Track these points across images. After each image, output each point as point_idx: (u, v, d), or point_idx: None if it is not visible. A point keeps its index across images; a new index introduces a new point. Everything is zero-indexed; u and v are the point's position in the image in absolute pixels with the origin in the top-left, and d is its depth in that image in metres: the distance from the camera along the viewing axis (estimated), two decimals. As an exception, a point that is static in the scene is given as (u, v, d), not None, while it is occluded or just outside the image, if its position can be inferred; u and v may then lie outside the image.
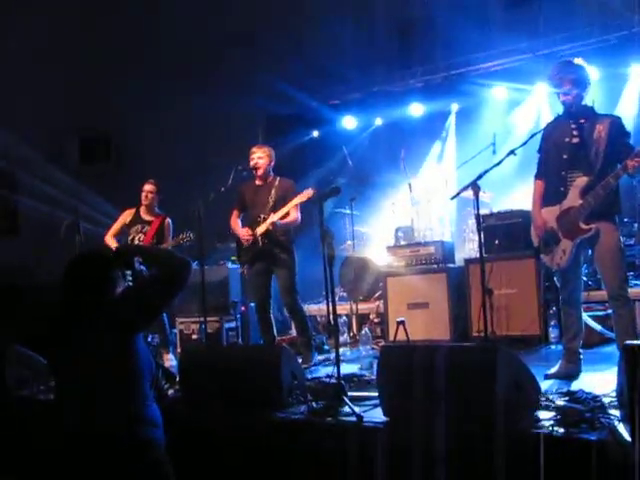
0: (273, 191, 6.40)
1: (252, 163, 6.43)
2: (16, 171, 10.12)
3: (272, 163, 6.53)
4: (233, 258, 8.52)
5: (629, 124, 7.57)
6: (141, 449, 3.03)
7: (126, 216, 7.38)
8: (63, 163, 10.34)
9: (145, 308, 3.19)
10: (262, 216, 6.33)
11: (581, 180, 4.72)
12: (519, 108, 9.40)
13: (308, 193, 6.16)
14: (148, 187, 7.32)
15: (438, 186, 8.87)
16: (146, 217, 7.32)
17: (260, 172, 6.43)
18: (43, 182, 9.69)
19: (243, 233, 6.42)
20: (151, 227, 7.23)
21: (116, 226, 7.37)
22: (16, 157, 9.70)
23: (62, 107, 10.19)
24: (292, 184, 6.53)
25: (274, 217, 6.25)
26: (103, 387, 3.03)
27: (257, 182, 6.51)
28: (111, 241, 7.27)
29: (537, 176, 5.13)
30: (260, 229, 6.30)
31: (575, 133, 4.85)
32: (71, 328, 3.12)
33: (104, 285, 3.18)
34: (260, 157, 6.44)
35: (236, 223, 6.58)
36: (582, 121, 4.85)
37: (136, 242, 7.14)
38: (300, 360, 6.30)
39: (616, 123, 4.82)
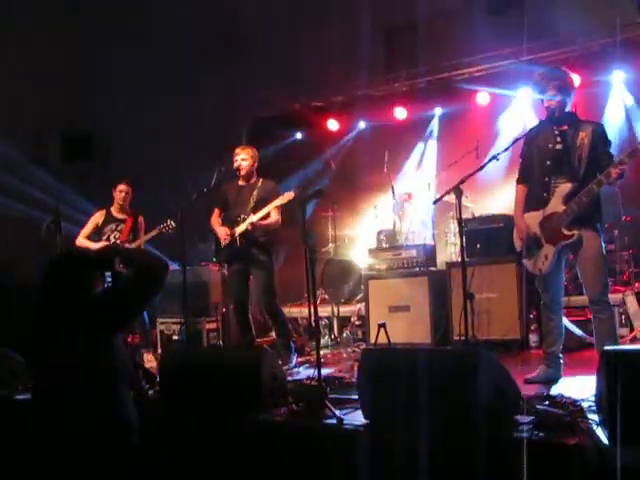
0: (255, 192, 6.39)
1: (235, 164, 6.42)
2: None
3: (255, 164, 6.53)
4: (215, 259, 8.50)
5: (615, 131, 7.68)
6: (114, 450, 3.00)
7: (98, 217, 7.42)
8: (45, 162, 10.27)
9: (123, 308, 3.19)
10: (242, 216, 6.31)
11: (565, 186, 4.75)
12: (503, 113, 9.43)
13: (289, 195, 6.15)
14: (124, 187, 7.38)
15: (421, 189, 8.89)
16: (119, 216, 7.38)
17: (243, 173, 6.42)
18: (24, 181, 9.61)
19: (221, 233, 6.40)
20: (126, 225, 7.31)
21: (88, 228, 7.40)
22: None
23: (44, 106, 10.11)
24: (274, 185, 6.52)
25: (254, 218, 6.24)
26: (78, 387, 3.01)
27: (240, 182, 6.49)
28: (85, 242, 7.26)
29: (519, 181, 5.15)
30: (239, 229, 6.28)
31: (559, 139, 4.87)
32: (50, 328, 3.09)
33: (84, 285, 3.16)
34: (244, 158, 6.44)
35: (216, 222, 6.56)
36: (565, 127, 4.87)
37: (112, 241, 7.21)
38: (279, 362, 6.31)
39: (599, 130, 4.85)
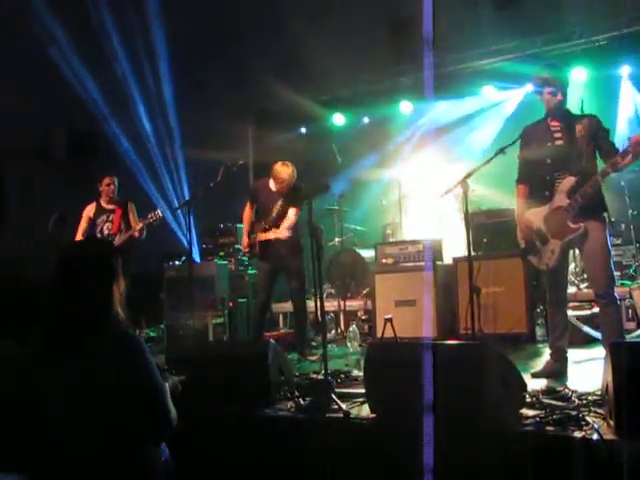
0: (280, 202, 6.52)
1: (279, 184, 6.52)
2: (4, 166, 10.07)
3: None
4: (222, 254, 8.53)
5: (626, 126, 7.64)
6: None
7: (89, 211, 7.55)
8: (51, 158, 10.30)
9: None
10: (270, 222, 6.50)
11: (568, 180, 4.75)
12: (507, 106, 9.41)
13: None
14: (110, 180, 7.49)
15: (428, 183, 8.87)
16: (108, 206, 7.50)
17: (284, 189, 6.53)
18: (31, 177, 9.65)
19: (244, 241, 6.73)
20: (116, 214, 7.40)
21: (83, 223, 7.52)
22: (4, 152, 9.66)
23: (50, 102, 10.13)
24: (297, 198, 6.60)
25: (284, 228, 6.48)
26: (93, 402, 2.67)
27: (272, 186, 6.59)
28: None
29: (519, 180, 5.15)
30: (269, 235, 6.50)
31: (557, 135, 4.89)
32: (64, 341, 2.79)
33: (104, 274, 2.89)
34: (289, 175, 6.52)
35: (247, 218, 6.81)
36: (561, 123, 4.88)
37: (105, 232, 7.33)
38: (300, 354, 6.40)
39: (595, 121, 4.85)
